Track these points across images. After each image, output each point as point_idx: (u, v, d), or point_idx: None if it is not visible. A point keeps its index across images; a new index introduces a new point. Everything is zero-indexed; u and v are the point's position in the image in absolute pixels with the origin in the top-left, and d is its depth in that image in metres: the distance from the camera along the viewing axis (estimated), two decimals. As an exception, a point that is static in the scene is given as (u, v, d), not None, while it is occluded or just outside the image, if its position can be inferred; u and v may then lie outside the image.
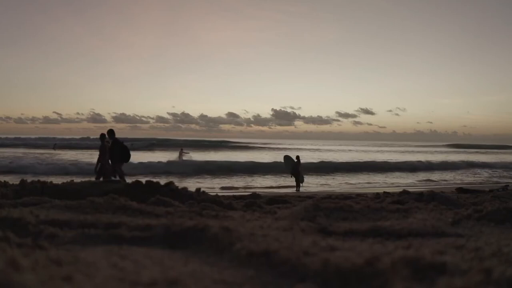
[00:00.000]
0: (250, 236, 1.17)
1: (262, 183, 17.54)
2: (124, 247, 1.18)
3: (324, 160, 28.70)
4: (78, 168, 19.90)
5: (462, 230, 1.63)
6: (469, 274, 0.76)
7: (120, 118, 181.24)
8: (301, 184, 15.45)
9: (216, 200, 2.58)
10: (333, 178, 20.55)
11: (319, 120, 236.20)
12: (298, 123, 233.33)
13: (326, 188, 16.03)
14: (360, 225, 1.60)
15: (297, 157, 15.80)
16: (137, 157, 24.33)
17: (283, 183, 17.19)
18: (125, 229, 1.37)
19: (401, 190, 3.85)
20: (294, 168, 15.49)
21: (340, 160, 30.35)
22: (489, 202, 2.91)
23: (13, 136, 66.40)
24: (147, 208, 1.91)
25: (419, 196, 2.99)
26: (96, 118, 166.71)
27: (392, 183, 18.32)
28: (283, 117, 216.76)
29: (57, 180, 3.50)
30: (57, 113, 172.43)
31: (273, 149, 57.69)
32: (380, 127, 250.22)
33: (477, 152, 61.63)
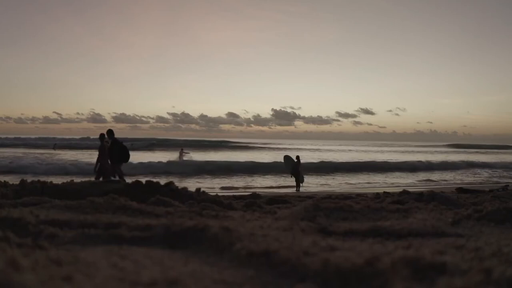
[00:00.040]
0: (250, 236, 1.17)
1: (262, 183, 17.54)
2: (124, 247, 1.18)
3: (324, 160, 28.71)
4: (78, 168, 19.89)
5: (462, 230, 1.63)
6: (469, 274, 0.76)
7: (120, 118, 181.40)
8: (301, 184, 15.45)
9: (216, 200, 2.58)
10: (333, 178, 20.55)
11: (319, 120, 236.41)
12: (298, 123, 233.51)
13: (326, 188, 16.03)
14: (360, 225, 1.60)
15: (297, 157, 15.80)
16: (137, 157, 24.36)
17: (283, 183, 17.19)
18: (125, 229, 1.37)
19: (401, 190, 3.85)
20: (294, 168, 15.49)
21: (340, 160, 30.35)
22: (489, 202, 2.91)
23: (13, 136, 66.41)
24: (147, 208, 1.91)
25: (419, 196, 2.99)
26: (96, 118, 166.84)
27: (392, 183, 18.32)
28: (283, 117, 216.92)
29: (57, 180, 3.50)
30: (57, 113, 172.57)
31: (273, 149, 57.70)
32: (380, 127, 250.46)
33: (477, 152, 61.64)
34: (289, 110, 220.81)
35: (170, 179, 3.62)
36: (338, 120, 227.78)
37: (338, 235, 1.46)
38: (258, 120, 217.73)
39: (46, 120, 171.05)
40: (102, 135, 10.16)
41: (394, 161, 30.63)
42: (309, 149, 58.26)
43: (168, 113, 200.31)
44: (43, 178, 2.94)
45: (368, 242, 1.33)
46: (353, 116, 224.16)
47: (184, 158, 24.92)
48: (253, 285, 0.85)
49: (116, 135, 10.06)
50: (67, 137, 72.86)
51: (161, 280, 0.77)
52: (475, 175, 23.53)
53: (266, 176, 20.22)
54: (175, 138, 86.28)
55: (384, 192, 5.78)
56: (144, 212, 1.83)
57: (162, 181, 2.75)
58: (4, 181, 3.03)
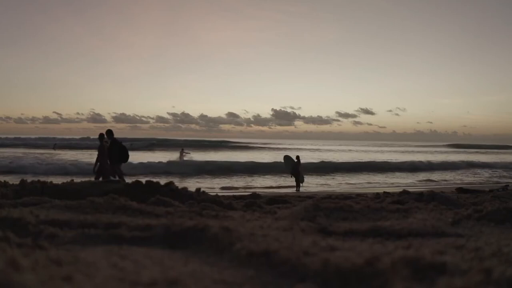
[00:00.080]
0: (250, 236, 1.17)
1: (262, 183, 17.54)
2: (124, 247, 1.18)
3: (324, 160, 28.71)
4: (78, 168, 19.89)
5: (462, 230, 1.63)
6: (469, 274, 0.76)
7: (120, 118, 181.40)
8: (301, 184, 15.45)
9: (216, 200, 2.58)
10: (333, 178, 20.55)
11: (319, 120, 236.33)
12: (298, 123, 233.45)
13: (326, 188, 16.03)
14: (360, 225, 1.60)
15: (297, 157, 15.81)
16: (137, 157, 24.37)
17: (283, 183, 17.19)
18: (125, 229, 1.37)
19: (401, 190, 3.85)
20: (294, 168, 15.49)
21: (340, 160, 30.36)
22: (489, 202, 2.91)
23: (13, 136, 66.40)
24: (147, 208, 1.91)
25: (419, 196, 2.99)
26: (96, 118, 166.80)
27: (392, 183, 18.32)
28: (283, 117, 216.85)
29: (57, 180, 3.50)
30: (57, 113, 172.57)
31: (273, 149, 57.70)
32: (380, 127, 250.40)
33: (477, 152, 61.64)
34: (289, 110, 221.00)
35: (170, 179, 3.62)
36: (338, 120, 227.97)
37: (338, 235, 1.46)
38: (258, 120, 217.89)
39: (46, 120, 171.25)
40: (101, 135, 10.17)
41: (394, 161, 30.64)
42: (309, 149, 58.26)
43: (168, 113, 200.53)
44: (43, 178, 2.94)
45: (368, 242, 1.33)
46: (353, 116, 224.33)
47: (185, 159, 24.94)
48: (253, 285, 0.85)
49: (116, 135, 10.06)
50: (67, 137, 72.90)
51: (161, 280, 0.77)
52: (475, 175, 23.53)
53: (266, 176, 20.22)
54: (175, 138, 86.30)
55: (384, 192, 5.78)
56: (144, 212, 1.83)
57: (162, 181, 2.75)
58: (4, 181, 3.02)
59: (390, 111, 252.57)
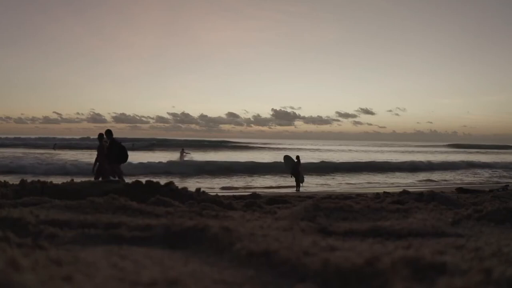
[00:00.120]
0: (250, 236, 1.17)
1: (262, 183, 17.53)
2: (124, 247, 1.18)
3: (324, 160, 28.71)
4: (78, 168, 19.87)
5: (462, 230, 1.63)
6: (469, 274, 0.76)
7: (120, 118, 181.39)
8: (301, 184, 15.45)
9: (216, 200, 2.58)
10: (333, 178, 20.54)
11: (319, 120, 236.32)
12: (298, 123, 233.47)
13: (326, 188, 16.02)
14: (360, 225, 1.60)
15: (297, 157, 15.80)
16: (137, 157, 24.38)
17: (283, 183, 17.19)
18: (125, 229, 1.37)
19: (401, 190, 3.85)
20: (294, 168, 15.49)
21: (340, 160, 30.35)
22: (489, 202, 2.91)
23: (13, 136, 66.39)
24: (147, 208, 1.91)
25: (419, 196, 2.99)
26: (96, 118, 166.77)
27: (392, 183, 18.32)
28: (283, 117, 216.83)
29: (57, 180, 3.50)
30: (57, 113, 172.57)
31: (273, 149, 57.69)
32: (380, 127, 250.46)
33: (477, 152, 61.65)
34: (289, 110, 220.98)
35: (170, 179, 3.62)
36: (338, 120, 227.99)
37: (338, 235, 1.46)
38: (258, 120, 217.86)
39: (46, 120, 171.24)
40: (100, 135, 10.18)
41: (394, 161, 30.62)
42: (309, 149, 58.25)
43: (168, 113, 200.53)
44: (43, 178, 2.94)
45: (368, 242, 1.33)
46: (353, 116, 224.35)
47: (185, 159, 24.94)
48: (253, 285, 0.85)
49: (116, 135, 10.07)
50: (67, 137, 72.91)
51: (161, 280, 0.77)
52: (475, 175, 23.53)
53: (266, 176, 20.21)
54: (175, 138, 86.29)
55: (384, 192, 5.77)
56: (144, 212, 1.83)
57: (162, 181, 2.75)
58: (4, 181, 3.02)
59: (390, 111, 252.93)
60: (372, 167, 25.69)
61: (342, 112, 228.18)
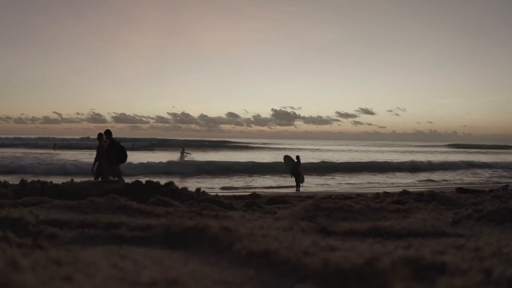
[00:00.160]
0: (250, 236, 1.17)
1: (262, 183, 17.54)
2: (124, 247, 1.18)
3: (324, 160, 28.71)
4: (78, 168, 19.85)
5: (462, 230, 1.63)
6: (469, 274, 0.76)
7: (120, 118, 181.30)
8: (301, 184, 15.45)
9: (216, 200, 2.58)
10: (333, 178, 20.54)
11: (319, 120, 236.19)
12: (298, 123, 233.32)
13: (326, 188, 16.03)
14: (360, 225, 1.60)
15: (297, 157, 15.81)
16: (137, 157, 24.39)
17: (283, 183, 17.19)
18: (125, 229, 1.37)
19: (401, 190, 3.85)
20: (294, 168, 15.49)
21: (340, 160, 30.36)
22: (489, 202, 2.91)
23: (13, 136, 66.40)
24: (147, 208, 1.91)
25: (419, 196, 2.99)
26: (96, 118, 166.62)
27: (392, 183, 18.32)
28: (283, 117, 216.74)
29: (57, 180, 3.50)
30: (57, 113, 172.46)
31: (273, 149, 57.69)
32: (380, 127, 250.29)
33: (477, 152, 61.66)
34: (289, 110, 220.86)
35: (170, 179, 3.62)
36: (338, 120, 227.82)
37: (338, 235, 1.46)
38: (258, 120, 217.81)
39: (46, 120, 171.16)
40: (100, 134, 10.19)
41: (394, 161, 30.62)
42: (309, 149, 58.26)
43: (168, 113, 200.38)
44: (43, 178, 2.94)
45: (368, 242, 1.33)
46: (353, 116, 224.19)
47: (186, 159, 24.94)
48: (253, 285, 0.85)
49: (116, 135, 10.07)
50: (67, 137, 72.98)
51: (161, 280, 0.77)
52: (475, 175, 23.53)
53: (266, 176, 20.21)
54: (175, 138, 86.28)
55: (384, 192, 5.78)
56: (144, 212, 1.83)
57: (162, 181, 2.75)
58: (4, 181, 3.03)
59: (390, 111, 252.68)
60: (372, 167, 25.69)
61: (342, 112, 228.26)
